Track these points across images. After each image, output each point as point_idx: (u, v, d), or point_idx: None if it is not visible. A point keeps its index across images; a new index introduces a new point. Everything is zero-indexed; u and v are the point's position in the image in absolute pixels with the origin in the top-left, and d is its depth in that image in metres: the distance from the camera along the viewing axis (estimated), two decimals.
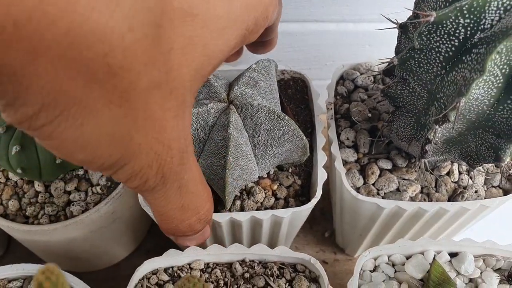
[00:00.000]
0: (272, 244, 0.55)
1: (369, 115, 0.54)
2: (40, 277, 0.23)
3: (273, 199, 0.49)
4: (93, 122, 0.22)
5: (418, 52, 0.38)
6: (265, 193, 0.49)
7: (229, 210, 0.48)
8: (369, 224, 0.53)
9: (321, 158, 0.51)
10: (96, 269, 0.62)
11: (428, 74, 0.39)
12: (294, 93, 0.57)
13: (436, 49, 0.37)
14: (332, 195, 0.64)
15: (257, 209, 0.49)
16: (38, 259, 0.60)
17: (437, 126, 0.39)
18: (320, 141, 0.52)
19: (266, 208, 0.49)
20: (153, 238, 0.65)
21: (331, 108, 0.55)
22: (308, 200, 0.49)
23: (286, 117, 0.44)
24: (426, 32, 0.36)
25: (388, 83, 0.43)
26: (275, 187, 0.50)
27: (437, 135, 0.40)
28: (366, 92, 0.56)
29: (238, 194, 0.50)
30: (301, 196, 0.51)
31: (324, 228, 0.66)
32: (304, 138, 0.46)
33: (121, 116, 0.23)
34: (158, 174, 0.27)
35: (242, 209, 0.49)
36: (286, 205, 0.49)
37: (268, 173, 0.51)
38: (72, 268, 0.61)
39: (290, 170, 0.51)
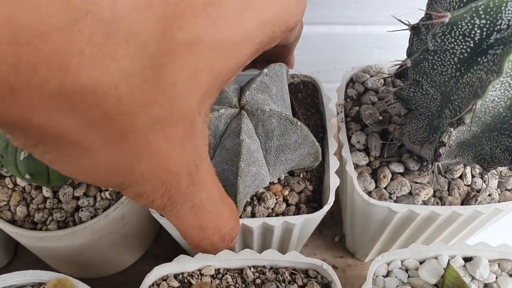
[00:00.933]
0: (282, 250, 0.54)
1: (380, 118, 0.53)
2: None
3: (284, 205, 0.48)
4: (91, 158, 0.23)
5: (432, 54, 0.37)
6: (276, 199, 0.49)
7: (240, 217, 0.48)
8: (381, 229, 0.53)
9: (333, 163, 0.50)
10: (104, 275, 0.61)
11: (442, 76, 0.38)
12: (305, 97, 0.57)
13: (451, 51, 0.36)
14: (342, 199, 0.63)
15: (268, 215, 0.48)
16: (45, 265, 0.60)
17: (451, 129, 0.38)
18: (332, 146, 0.51)
19: (277, 215, 0.48)
20: (161, 244, 0.64)
21: (342, 111, 0.54)
22: (320, 206, 0.48)
23: (299, 123, 0.43)
24: (440, 34, 0.36)
25: (400, 85, 0.43)
26: (286, 193, 0.49)
27: (451, 138, 0.39)
28: (377, 95, 0.55)
29: (249, 200, 0.49)
30: (313, 202, 0.50)
31: (334, 233, 0.66)
32: (317, 143, 0.45)
33: (121, 153, 0.23)
34: (164, 197, 0.27)
35: (253, 215, 0.48)
36: (298, 211, 0.49)
37: (279, 179, 0.50)
38: (80, 274, 0.60)
39: (301, 176, 0.51)
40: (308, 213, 0.48)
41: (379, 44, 0.67)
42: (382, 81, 0.57)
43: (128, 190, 0.26)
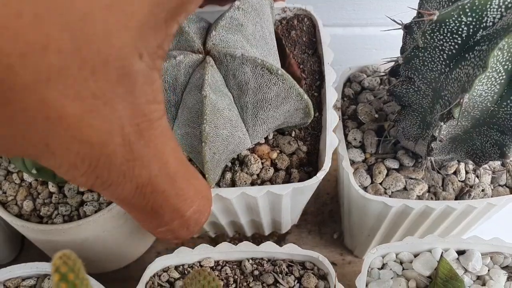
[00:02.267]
0: (275, 224, 0.51)
1: (376, 116, 0.55)
2: (57, 261, 0.24)
3: (272, 170, 0.41)
4: None
5: (422, 50, 0.39)
6: (262, 163, 0.41)
7: (218, 185, 0.41)
8: (377, 224, 0.54)
9: (332, 118, 0.43)
10: (106, 271, 0.63)
11: (432, 72, 0.40)
12: (299, 35, 0.47)
13: (440, 47, 0.38)
14: (340, 196, 0.64)
15: (251, 184, 0.41)
16: (51, 260, 0.61)
17: (441, 123, 0.39)
18: (331, 97, 0.43)
19: (263, 182, 0.41)
20: (164, 241, 0.66)
21: (339, 109, 0.56)
22: (316, 171, 0.41)
23: (280, 71, 0.34)
24: (430, 31, 0.37)
25: (394, 82, 0.44)
26: (274, 155, 0.42)
27: (442, 132, 0.41)
28: (373, 92, 0.57)
29: (229, 164, 0.42)
30: (307, 165, 0.43)
31: (332, 230, 0.67)
32: (305, 97, 0.37)
33: (5, 120, 0.18)
34: (89, 175, 0.21)
35: (233, 183, 0.41)
36: (288, 177, 0.42)
37: (266, 138, 0.43)
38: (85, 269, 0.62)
39: (293, 134, 0.43)
40: (300, 179, 0.40)
41: (377, 46, 0.68)
42: (379, 80, 0.58)
43: (44, 163, 0.21)
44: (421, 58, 0.40)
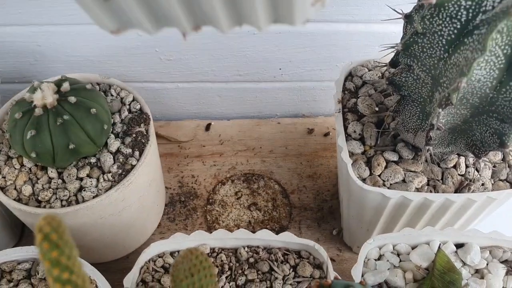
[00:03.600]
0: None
1: (376, 109, 0.55)
2: (41, 222, 0.24)
3: None
4: None
5: (421, 36, 0.39)
6: None
7: None
8: (375, 217, 0.54)
9: None
10: (105, 261, 0.63)
11: (431, 59, 0.40)
12: None
13: (439, 33, 0.37)
14: (340, 191, 0.64)
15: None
16: None
17: (440, 110, 0.39)
18: None
19: None
20: (163, 233, 0.66)
21: (339, 102, 0.56)
22: None
23: None
24: (429, 16, 0.37)
25: (394, 71, 0.44)
26: None
27: (440, 120, 0.40)
28: (373, 86, 0.56)
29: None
30: None
31: (332, 227, 0.66)
32: None
33: None
34: None
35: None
36: None
37: None
38: (82, 258, 0.62)
39: None
40: None
41: (381, 42, 0.68)
42: (380, 74, 0.58)
43: None
44: (420, 44, 0.39)
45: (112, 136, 0.55)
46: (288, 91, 0.76)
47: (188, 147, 0.75)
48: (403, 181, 0.50)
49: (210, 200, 0.69)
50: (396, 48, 0.42)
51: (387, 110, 0.55)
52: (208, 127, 0.77)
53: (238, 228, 0.65)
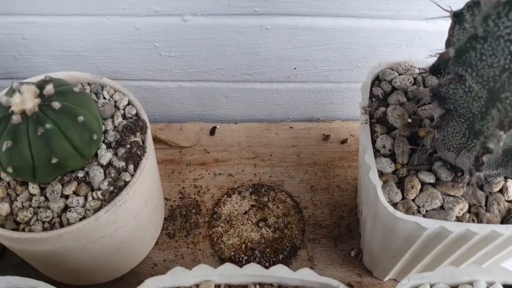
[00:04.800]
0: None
1: (409, 120, 0.47)
2: None
3: None
4: None
5: (481, 41, 0.31)
6: None
7: None
8: (405, 246, 0.46)
9: None
10: (96, 283, 0.56)
11: (491, 69, 0.32)
12: None
13: (506, 37, 0.30)
14: (361, 210, 0.57)
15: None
16: (34, 268, 0.55)
17: (501, 133, 0.32)
18: None
19: None
20: (161, 251, 0.59)
21: (366, 112, 0.48)
22: None
23: None
24: (495, 16, 0.30)
25: (440, 81, 0.37)
26: None
27: (500, 144, 0.33)
28: (406, 95, 0.49)
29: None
30: None
31: (350, 247, 0.59)
32: None
33: None
34: None
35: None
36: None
37: None
38: (70, 281, 0.55)
39: None
40: None
41: (409, 41, 0.60)
42: (412, 80, 0.51)
43: None
44: (478, 50, 0.32)
45: (103, 146, 0.48)
46: (303, 92, 0.68)
47: (190, 153, 0.67)
48: (441, 207, 0.43)
49: (215, 215, 0.61)
50: (444, 56, 0.35)
51: (421, 122, 0.48)
52: (213, 131, 0.70)
53: (246, 247, 0.58)
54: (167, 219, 0.61)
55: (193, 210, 0.62)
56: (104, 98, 0.51)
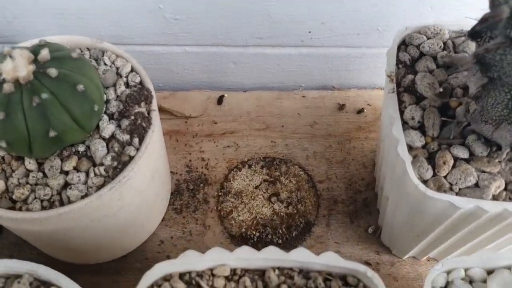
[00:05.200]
0: None
1: (440, 89, 0.43)
2: None
3: None
4: None
5: None
6: None
7: None
8: (433, 225, 0.43)
9: None
10: (100, 261, 0.53)
11: None
12: None
13: None
14: (380, 186, 0.53)
15: None
16: (32, 246, 0.52)
17: None
18: None
19: None
20: (168, 227, 0.56)
21: (393, 80, 0.44)
22: None
23: None
24: None
25: (487, 46, 0.32)
26: None
27: None
28: (442, 59, 0.45)
29: None
30: None
31: (367, 223, 0.56)
32: None
33: None
34: None
35: None
36: None
37: None
38: (72, 259, 0.52)
39: None
40: None
41: (434, 3, 0.56)
42: (442, 44, 0.46)
43: None
44: None
45: (105, 117, 0.44)
46: (317, 58, 0.64)
47: (197, 124, 0.63)
48: (476, 185, 0.39)
49: (224, 190, 0.58)
50: (496, 14, 0.30)
51: (452, 91, 0.44)
52: (220, 100, 0.65)
53: (257, 223, 0.55)
54: (173, 194, 0.58)
55: (201, 185, 0.58)
56: (105, 64, 0.47)
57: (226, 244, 0.55)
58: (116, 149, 0.42)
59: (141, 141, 0.43)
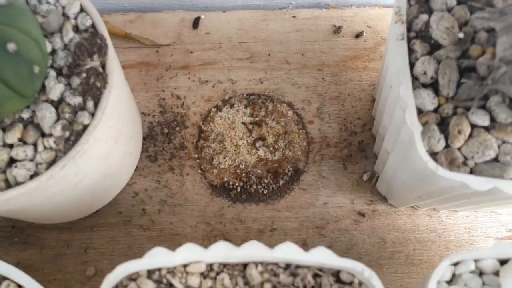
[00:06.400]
0: None
1: (461, 35, 0.35)
2: None
3: None
4: None
5: None
6: None
7: None
8: (439, 194, 0.38)
9: None
10: (70, 220, 0.48)
11: None
12: None
13: None
14: (378, 127, 0.47)
15: None
16: None
17: None
18: None
19: None
20: (142, 177, 0.50)
21: (403, 21, 0.36)
22: None
23: None
24: None
25: None
26: None
27: None
28: None
29: None
30: None
31: (362, 169, 0.51)
32: None
33: None
34: None
35: None
36: None
37: None
38: (39, 222, 0.47)
39: None
40: None
41: None
42: None
43: None
44: None
45: (52, 73, 0.36)
46: None
47: (169, 54, 0.55)
48: (496, 159, 0.33)
49: (203, 134, 0.52)
50: None
51: (474, 36, 0.36)
52: (196, 23, 0.56)
53: (240, 172, 0.50)
54: (146, 139, 0.51)
55: (177, 128, 0.52)
56: (48, 2, 0.38)
57: (207, 195, 0.50)
58: (67, 115, 0.35)
59: (96, 104, 0.36)
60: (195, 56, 0.55)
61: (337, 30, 0.56)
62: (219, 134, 0.51)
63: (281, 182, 0.50)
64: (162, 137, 0.52)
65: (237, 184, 0.50)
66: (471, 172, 0.33)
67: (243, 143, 0.51)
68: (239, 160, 0.50)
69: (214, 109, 0.52)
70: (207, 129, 0.52)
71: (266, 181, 0.50)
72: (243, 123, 0.52)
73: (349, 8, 0.57)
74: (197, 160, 0.51)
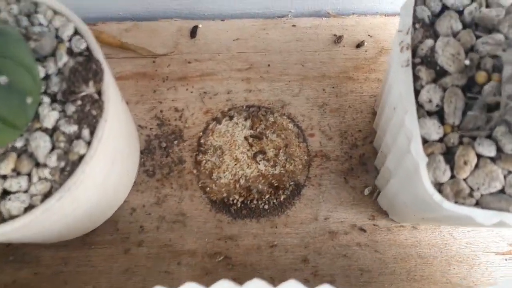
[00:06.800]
0: None
1: (467, 62, 0.34)
2: None
3: None
4: None
5: None
6: None
7: None
8: (442, 220, 0.38)
9: None
10: (66, 239, 0.47)
11: None
12: None
13: None
14: (379, 141, 0.46)
15: None
16: None
17: None
18: None
19: None
20: (140, 192, 0.49)
21: (408, 47, 0.35)
22: None
23: None
24: None
25: None
26: None
27: None
28: (460, 17, 0.35)
29: None
30: None
31: (363, 183, 0.50)
32: None
33: None
34: None
35: None
36: None
37: None
38: (36, 242, 0.46)
39: None
40: None
41: None
42: None
43: None
44: None
45: (46, 100, 0.35)
46: None
47: (167, 64, 0.54)
48: (502, 191, 0.32)
49: (202, 147, 0.51)
50: None
51: (480, 62, 0.35)
52: (194, 32, 0.55)
53: (240, 186, 0.49)
54: (143, 152, 0.51)
55: (175, 141, 0.51)
56: (40, 24, 0.36)
57: (206, 211, 0.49)
58: (62, 144, 0.34)
59: (92, 132, 0.35)
60: (193, 67, 0.54)
61: (338, 39, 0.55)
62: (219, 147, 0.50)
63: (282, 197, 0.49)
64: (160, 150, 0.51)
65: (237, 199, 0.49)
66: (477, 203, 0.32)
67: (243, 157, 0.50)
68: (239, 175, 0.50)
69: (213, 122, 0.51)
70: (206, 142, 0.51)
71: (267, 196, 0.49)
72: (245, 138, 0.51)
73: (350, 17, 0.56)
74: (196, 175, 0.50)
